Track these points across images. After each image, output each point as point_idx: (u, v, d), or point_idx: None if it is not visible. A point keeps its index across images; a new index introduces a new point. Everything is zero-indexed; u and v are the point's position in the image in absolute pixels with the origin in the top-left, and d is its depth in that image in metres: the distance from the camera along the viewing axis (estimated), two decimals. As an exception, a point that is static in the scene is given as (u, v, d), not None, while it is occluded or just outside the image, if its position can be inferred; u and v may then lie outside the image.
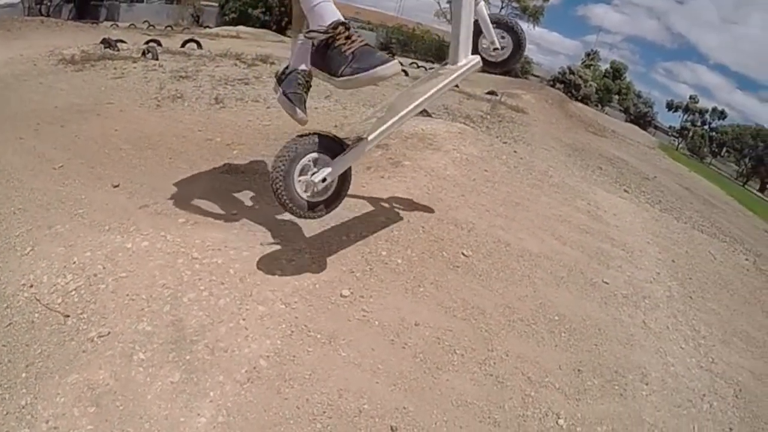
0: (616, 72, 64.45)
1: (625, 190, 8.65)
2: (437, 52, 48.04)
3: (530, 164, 5.46)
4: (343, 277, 2.84)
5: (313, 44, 2.67)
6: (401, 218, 3.44)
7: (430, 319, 2.72)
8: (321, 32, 2.56)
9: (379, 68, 2.46)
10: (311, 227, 3.21)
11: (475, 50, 3.20)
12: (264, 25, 39.62)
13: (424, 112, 6.76)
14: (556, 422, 2.52)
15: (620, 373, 3.04)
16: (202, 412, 2.13)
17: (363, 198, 3.59)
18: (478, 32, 3.34)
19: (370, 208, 3.50)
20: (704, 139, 73.86)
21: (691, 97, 78.93)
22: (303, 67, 3.17)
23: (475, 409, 2.39)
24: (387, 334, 2.57)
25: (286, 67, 3.27)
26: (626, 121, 59.50)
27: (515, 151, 5.89)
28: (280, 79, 3.29)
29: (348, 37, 2.56)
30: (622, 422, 2.73)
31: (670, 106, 76.49)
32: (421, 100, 2.84)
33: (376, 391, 2.30)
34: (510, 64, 3.61)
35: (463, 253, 3.31)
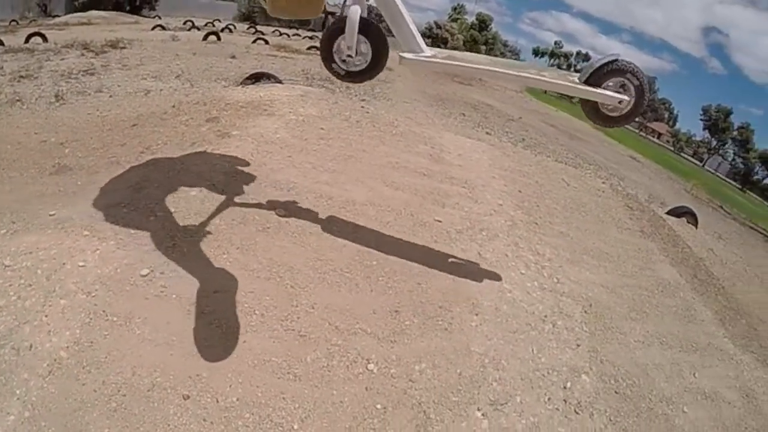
0: (482, 24, 67.36)
1: (487, 132, 8.80)
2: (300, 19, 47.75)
3: (376, 117, 5.43)
4: (145, 257, 2.75)
5: None
6: (216, 189, 3.35)
7: (231, 285, 2.68)
8: None
9: None
10: (119, 215, 3.08)
11: (330, 56, 3.00)
12: (117, 7, 38.53)
13: (273, 79, 6.69)
14: (366, 367, 2.53)
15: (446, 308, 3.06)
16: (11, 411, 2.11)
17: (180, 175, 3.46)
18: (338, 33, 2.94)
19: (184, 184, 3.38)
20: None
21: (555, 43, 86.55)
22: None
23: (274, 366, 2.38)
24: (184, 306, 2.51)
25: None
26: (495, 69, 62.62)
27: (363, 107, 5.87)
28: None
29: None
30: (446, 356, 2.75)
31: (536, 52, 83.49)
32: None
33: (170, 363, 2.26)
34: (362, 78, 3.10)
35: (276, 214, 3.27)
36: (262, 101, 4.92)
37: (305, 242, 3.15)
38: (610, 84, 2.88)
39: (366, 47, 2.93)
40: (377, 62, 2.98)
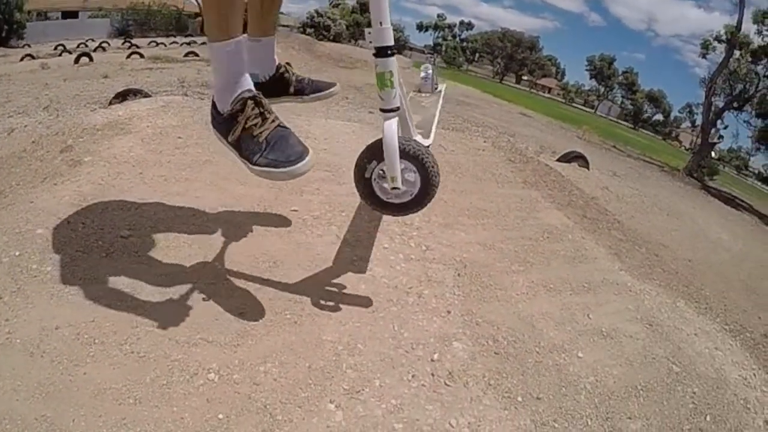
0: (363, 6, 68.15)
1: (370, 112, 8.86)
2: (177, 24, 47.61)
3: (241, 117, 5.36)
4: (-10, 306, 2.69)
5: (215, 109, 2.38)
6: (62, 223, 3.29)
7: (72, 318, 2.65)
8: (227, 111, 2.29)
9: (297, 165, 2.15)
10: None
11: (370, 190, 2.60)
12: (-18, 41, 37.18)
13: (141, 94, 6.61)
14: (207, 377, 2.52)
15: (295, 300, 3.07)
16: None
17: (28, 215, 3.37)
18: (375, 154, 2.47)
19: (31, 223, 3.29)
20: (457, 50, 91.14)
21: (438, 16, 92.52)
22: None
23: (114, 392, 2.37)
24: (27, 348, 2.48)
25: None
26: (381, 48, 65.49)
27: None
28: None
29: (261, 116, 2.27)
30: (294, 351, 2.76)
31: (420, 27, 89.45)
32: None
33: (16, 408, 2.24)
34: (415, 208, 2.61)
35: (120, 236, 3.24)
36: (120, 120, 4.79)
37: (148, 260, 3.13)
38: None
39: (413, 174, 2.46)
40: (428, 188, 2.49)
